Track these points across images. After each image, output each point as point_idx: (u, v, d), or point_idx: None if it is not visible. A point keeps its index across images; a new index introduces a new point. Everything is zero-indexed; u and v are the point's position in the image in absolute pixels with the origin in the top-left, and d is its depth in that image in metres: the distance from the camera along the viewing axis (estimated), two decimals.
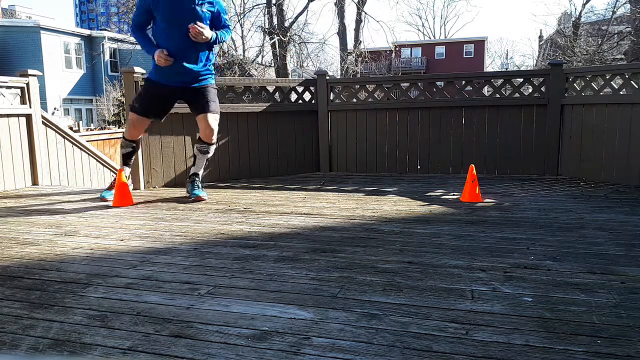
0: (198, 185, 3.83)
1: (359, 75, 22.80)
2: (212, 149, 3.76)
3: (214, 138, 3.68)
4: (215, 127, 3.65)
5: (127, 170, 3.89)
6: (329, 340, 1.45)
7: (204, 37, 3.38)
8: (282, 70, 19.34)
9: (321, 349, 1.40)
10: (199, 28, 3.34)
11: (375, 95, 5.37)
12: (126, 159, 3.86)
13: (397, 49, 33.02)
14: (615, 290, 1.79)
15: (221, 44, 3.67)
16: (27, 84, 4.70)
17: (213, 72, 3.74)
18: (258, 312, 1.67)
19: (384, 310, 1.66)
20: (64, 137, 5.42)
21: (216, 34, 3.51)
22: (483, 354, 1.35)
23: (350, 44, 23.71)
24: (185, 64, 3.49)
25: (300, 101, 5.25)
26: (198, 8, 3.43)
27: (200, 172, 3.86)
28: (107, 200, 3.77)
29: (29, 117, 4.73)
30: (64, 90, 25.41)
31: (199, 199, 3.72)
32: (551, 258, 2.18)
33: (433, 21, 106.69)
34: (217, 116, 3.67)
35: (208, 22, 3.50)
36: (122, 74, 4.44)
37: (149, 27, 3.64)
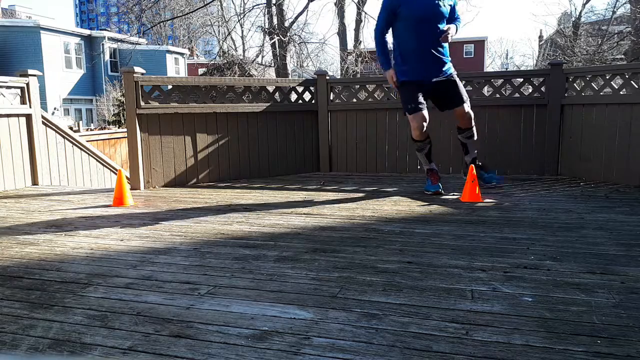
0: (486, 169, 4.01)
1: (359, 76, 22.80)
2: (475, 129, 3.92)
3: (473, 122, 3.86)
4: (472, 112, 3.84)
5: (433, 164, 3.97)
6: (329, 340, 1.45)
7: (451, 37, 3.60)
8: (282, 70, 19.34)
9: (321, 349, 1.40)
10: (449, 34, 3.57)
11: (375, 95, 5.37)
12: (430, 156, 3.95)
13: None
14: (615, 290, 1.79)
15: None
16: (27, 84, 4.70)
17: (450, 60, 3.85)
18: (258, 312, 1.67)
19: (384, 310, 1.66)
20: (64, 137, 5.42)
21: (456, 25, 3.70)
22: (483, 353, 1.35)
23: (350, 44, 23.70)
24: (429, 59, 3.65)
25: (300, 101, 5.25)
26: (440, 3, 3.60)
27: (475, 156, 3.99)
28: (440, 194, 3.79)
29: (29, 117, 4.73)
30: (64, 90, 25.40)
31: (498, 185, 3.92)
32: (551, 258, 2.18)
33: None
34: (469, 102, 3.85)
35: (447, 16, 3.66)
36: (122, 74, 4.45)
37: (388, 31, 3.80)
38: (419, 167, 5.07)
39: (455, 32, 3.71)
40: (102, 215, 3.33)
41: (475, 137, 3.96)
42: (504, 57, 46.98)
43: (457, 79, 3.84)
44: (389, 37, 3.82)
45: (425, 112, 3.73)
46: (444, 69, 3.75)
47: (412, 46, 3.65)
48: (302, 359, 1.35)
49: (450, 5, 3.70)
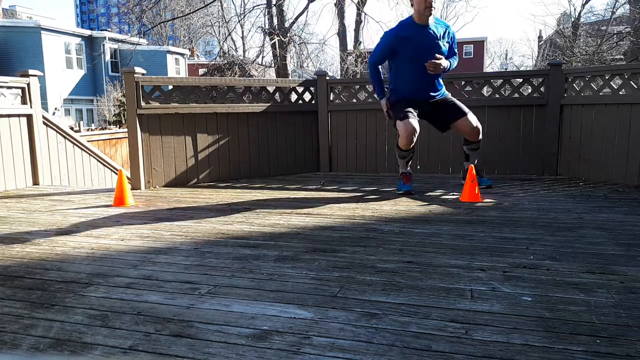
0: (483, 176, 4.08)
1: (358, 76, 22.80)
2: (481, 143, 3.98)
3: (481, 135, 3.89)
4: (479, 125, 3.84)
5: (409, 169, 4.01)
6: (329, 339, 1.46)
7: (441, 68, 3.67)
8: (282, 71, 19.35)
9: (321, 349, 1.40)
10: (436, 62, 3.63)
11: (375, 96, 5.37)
12: (408, 163, 3.96)
13: None
14: (615, 290, 1.79)
15: (450, 71, 4.03)
16: (28, 84, 4.70)
17: (445, 91, 4.01)
18: (258, 311, 1.67)
19: (383, 309, 1.66)
20: (64, 137, 5.42)
21: (450, 62, 3.78)
22: (482, 353, 1.36)
23: (350, 45, 23.70)
24: (426, 93, 3.81)
25: (300, 101, 5.25)
26: (440, 43, 3.71)
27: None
28: (410, 193, 3.85)
29: (29, 117, 4.74)
30: (65, 90, 25.40)
31: (489, 187, 3.96)
32: (550, 258, 2.19)
33: None
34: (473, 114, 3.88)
35: (445, 55, 3.76)
36: (122, 74, 4.46)
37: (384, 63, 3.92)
38: (418, 167, 5.08)
39: (449, 67, 3.79)
40: (103, 215, 3.33)
41: (479, 150, 4.02)
42: (504, 57, 46.98)
43: (454, 99, 3.93)
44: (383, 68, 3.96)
45: (415, 122, 3.71)
46: (437, 93, 3.87)
47: (407, 80, 3.77)
48: (302, 358, 1.36)
49: (449, 43, 3.80)
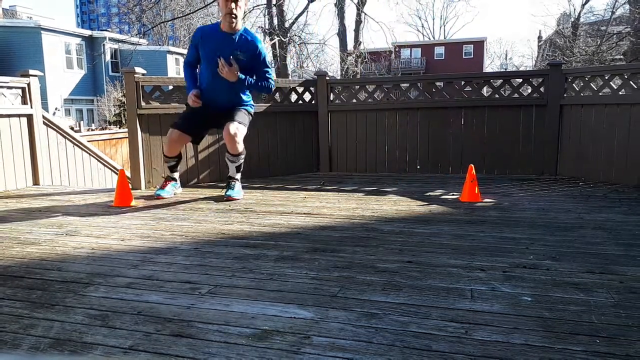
0: (231, 187, 3.87)
1: (358, 76, 22.82)
2: (240, 158, 3.77)
3: (239, 148, 3.66)
4: (237, 137, 3.59)
5: (176, 174, 3.99)
6: (329, 339, 1.46)
7: (232, 78, 3.50)
8: (282, 71, 19.37)
9: (321, 348, 1.41)
10: (228, 67, 3.47)
11: (375, 96, 5.38)
12: (173, 169, 3.94)
13: (396, 49, 33.05)
14: (614, 290, 1.80)
15: (259, 92, 3.97)
16: (28, 84, 4.70)
17: (250, 103, 3.83)
18: (258, 311, 1.67)
19: (383, 309, 1.67)
20: (65, 137, 5.43)
21: (246, 77, 3.57)
22: (482, 353, 1.36)
23: (350, 45, 23.73)
24: (220, 99, 3.65)
25: (300, 102, 5.25)
26: (237, 52, 3.54)
27: (235, 175, 3.86)
28: (161, 198, 3.83)
29: (30, 118, 4.74)
30: (65, 90, 25.41)
31: (229, 199, 3.77)
32: (550, 258, 2.19)
33: (433, 22, 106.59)
34: (241, 128, 3.65)
35: (245, 66, 3.58)
36: (122, 74, 4.46)
37: (198, 64, 3.76)
38: (418, 167, 5.08)
39: (247, 81, 3.56)
40: (103, 215, 3.33)
41: (237, 164, 3.77)
42: (503, 57, 47.01)
43: (244, 111, 3.72)
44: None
45: (182, 135, 3.68)
46: (233, 106, 3.69)
47: (204, 86, 3.66)
48: (303, 358, 1.36)
49: (248, 60, 3.57)
